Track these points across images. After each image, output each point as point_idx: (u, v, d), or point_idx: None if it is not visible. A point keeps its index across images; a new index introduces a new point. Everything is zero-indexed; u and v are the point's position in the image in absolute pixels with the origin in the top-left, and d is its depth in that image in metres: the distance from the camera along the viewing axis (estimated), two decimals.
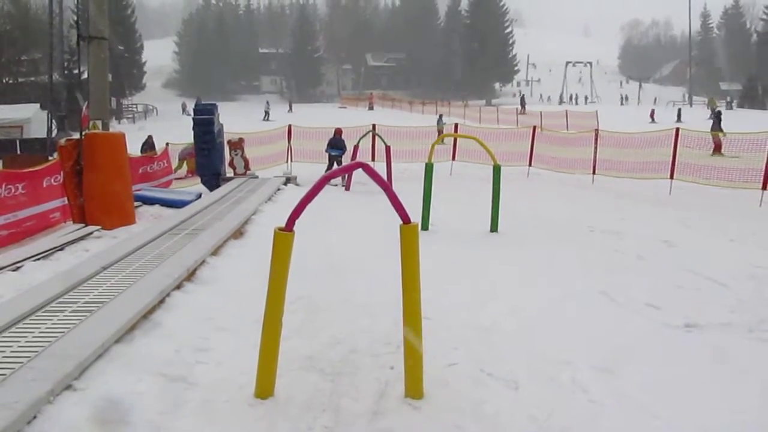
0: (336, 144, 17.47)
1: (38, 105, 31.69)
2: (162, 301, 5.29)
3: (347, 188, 15.60)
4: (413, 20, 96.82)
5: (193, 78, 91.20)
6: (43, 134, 26.07)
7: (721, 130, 21.43)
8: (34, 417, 3.22)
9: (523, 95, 69.29)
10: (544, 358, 4.54)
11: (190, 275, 6.22)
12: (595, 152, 17.40)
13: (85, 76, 11.99)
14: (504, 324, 5.33)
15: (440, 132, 24.67)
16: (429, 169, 10.23)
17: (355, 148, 16.59)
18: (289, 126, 19.89)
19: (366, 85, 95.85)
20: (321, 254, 7.48)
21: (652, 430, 3.61)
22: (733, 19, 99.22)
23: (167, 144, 19.35)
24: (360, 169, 3.84)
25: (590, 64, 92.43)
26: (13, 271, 7.11)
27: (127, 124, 47.81)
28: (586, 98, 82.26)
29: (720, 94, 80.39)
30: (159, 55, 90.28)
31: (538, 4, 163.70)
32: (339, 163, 17.24)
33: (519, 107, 52.72)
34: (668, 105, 64.67)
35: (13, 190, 10.24)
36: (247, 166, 17.95)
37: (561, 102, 79.62)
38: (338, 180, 16.00)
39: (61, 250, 8.39)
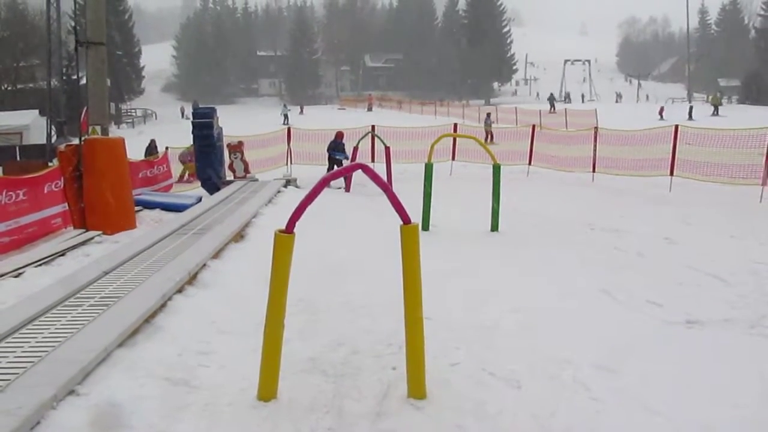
0: (337, 147, 17.43)
1: (37, 111, 31.69)
2: (164, 305, 5.30)
3: (347, 190, 15.60)
4: (411, 21, 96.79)
5: (191, 82, 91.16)
6: (42, 140, 26.14)
7: None
8: (38, 422, 3.22)
9: (552, 94, 64.30)
10: (545, 357, 4.54)
11: (192, 279, 6.22)
12: (595, 150, 17.41)
13: (83, 81, 11.98)
14: (505, 323, 5.34)
15: (488, 133, 24.99)
16: (429, 169, 10.24)
17: (355, 149, 16.60)
18: (288, 128, 19.90)
19: (364, 86, 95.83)
20: (322, 256, 7.48)
21: (654, 427, 3.62)
22: (731, 16, 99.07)
23: (167, 148, 19.38)
24: (360, 171, 3.85)
25: (588, 62, 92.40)
26: (15, 277, 7.11)
27: (126, 129, 47.87)
28: (583, 96, 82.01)
29: (719, 90, 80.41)
30: (157, 59, 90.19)
31: (535, 3, 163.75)
32: (340, 165, 17.23)
33: (549, 108, 50.45)
34: (667, 102, 64.66)
35: (14, 197, 10.25)
36: (246, 169, 17.95)
37: (565, 100, 79.03)
38: (340, 182, 15.97)
39: (63, 255, 8.39)
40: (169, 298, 5.46)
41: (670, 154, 15.70)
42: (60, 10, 30.62)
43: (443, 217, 10.37)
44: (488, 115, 33.45)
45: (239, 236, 8.78)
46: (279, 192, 14.07)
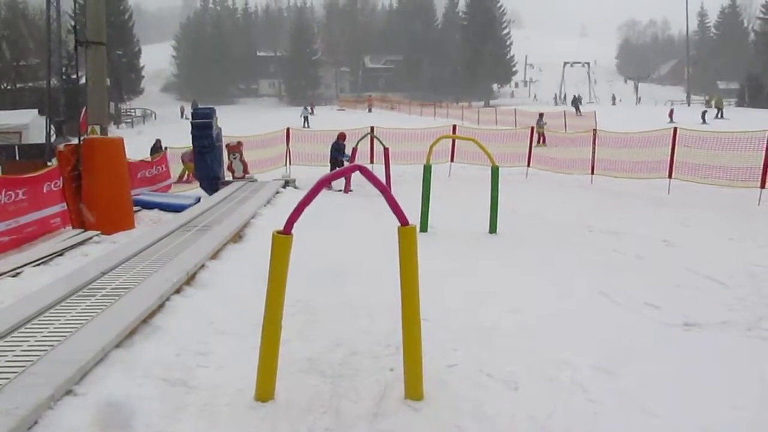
0: (340, 148, 17.30)
1: (36, 110, 31.64)
2: (162, 306, 5.30)
3: (346, 191, 15.60)
4: (411, 22, 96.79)
5: (191, 82, 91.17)
6: (41, 140, 26.05)
7: None
8: (35, 422, 3.22)
9: (575, 96, 58.68)
10: (543, 359, 4.55)
11: (190, 279, 6.22)
12: (594, 152, 17.42)
13: (83, 81, 11.98)
14: (503, 324, 5.35)
15: (540, 134, 24.17)
16: (427, 170, 10.25)
17: (354, 150, 16.60)
18: (288, 129, 19.91)
19: (364, 87, 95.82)
20: (320, 257, 7.48)
21: (652, 429, 3.63)
22: (730, 19, 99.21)
23: (166, 148, 19.38)
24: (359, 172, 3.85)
25: (588, 64, 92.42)
26: (13, 277, 7.11)
27: (125, 129, 47.82)
28: (580, 98, 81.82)
29: (718, 93, 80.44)
30: (157, 59, 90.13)
31: (535, 5, 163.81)
32: (342, 167, 17.17)
33: (574, 110, 46.29)
34: (666, 104, 64.68)
35: (13, 196, 10.26)
36: (245, 170, 17.93)
37: (568, 101, 78.57)
38: (341, 184, 15.92)
39: (61, 255, 8.38)
40: (168, 299, 5.46)
41: (669, 157, 15.71)
42: (60, 9, 30.58)
43: (442, 218, 10.37)
44: (541, 115, 29.73)
45: (238, 237, 8.78)
46: (278, 193, 14.07)
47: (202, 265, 6.74)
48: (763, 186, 13.63)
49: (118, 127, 48.35)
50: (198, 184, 16.88)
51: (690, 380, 4.26)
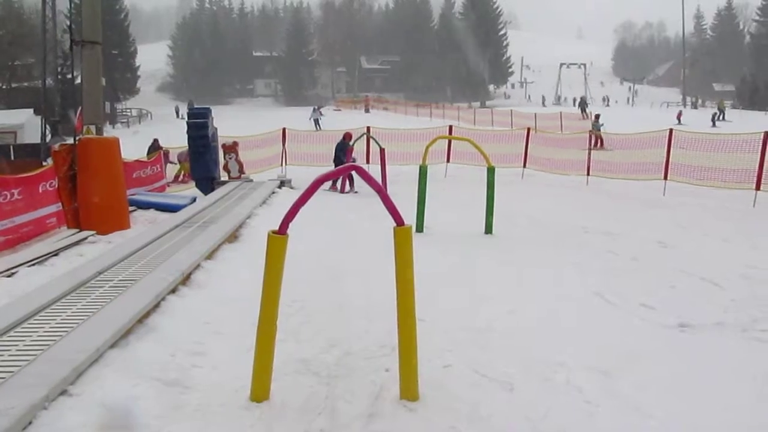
0: (344, 148, 17.13)
1: (32, 110, 31.59)
2: (157, 306, 5.29)
3: (341, 191, 15.58)
4: (407, 23, 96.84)
5: (187, 82, 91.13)
6: (36, 139, 26.03)
7: None
8: (30, 423, 3.21)
9: (583, 98, 57.06)
10: (538, 360, 4.55)
11: (185, 279, 6.21)
12: (589, 153, 17.46)
13: (78, 80, 11.96)
14: (499, 325, 5.35)
15: (597, 137, 22.28)
16: (423, 171, 10.25)
17: (350, 150, 16.59)
18: (284, 129, 19.89)
19: (360, 87, 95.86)
20: (315, 257, 7.48)
21: (647, 429, 3.63)
22: (726, 21, 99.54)
23: (161, 148, 19.36)
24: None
25: (584, 65, 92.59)
26: (8, 277, 7.09)
27: (121, 129, 47.77)
28: (574, 100, 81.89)
29: (713, 95, 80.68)
30: (153, 59, 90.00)
31: (532, 6, 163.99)
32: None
33: (581, 111, 45.34)
34: (662, 106, 64.85)
35: (9, 196, 10.24)
36: (241, 170, 17.91)
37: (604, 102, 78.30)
38: (347, 188, 15.75)
39: (56, 255, 8.37)
40: (163, 299, 5.45)
41: (665, 158, 15.76)
42: (56, 8, 30.56)
43: (437, 219, 10.36)
44: (597, 116, 27.26)
45: (233, 237, 8.77)
46: (273, 193, 14.06)
47: (198, 265, 6.74)
48: (757, 188, 13.67)
49: (113, 127, 48.28)
50: (193, 184, 16.86)
51: (685, 381, 4.27)
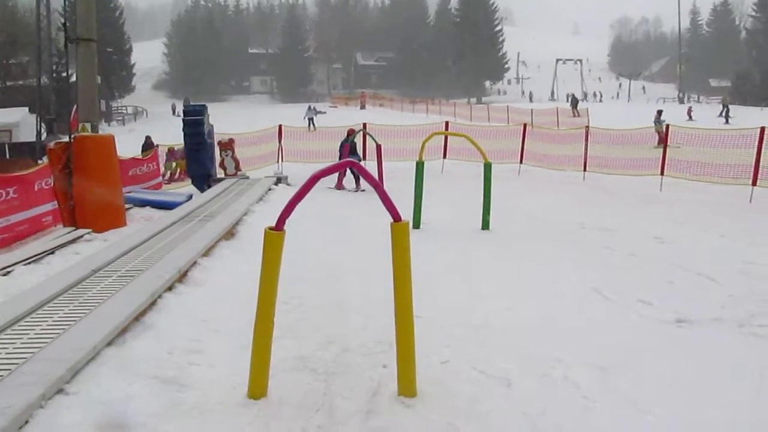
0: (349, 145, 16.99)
1: (27, 108, 31.50)
2: (154, 303, 5.28)
3: (338, 187, 15.54)
4: (403, 19, 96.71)
5: (182, 79, 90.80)
6: (32, 138, 25.97)
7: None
8: (26, 422, 3.20)
9: (574, 94, 55.94)
10: (536, 356, 4.55)
11: (182, 277, 6.20)
12: (586, 149, 17.45)
13: (73, 78, 11.93)
14: (496, 321, 5.34)
15: (659, 134, 20.75)
16: (420, 167, 10.24)
17: (346, 147, 16.55)
18: (280, 126, 19.86)
19: (356, 84, 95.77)
20: (312, 253, 7.47)
21: (644, 425, 3.63)
22: (722, 16, 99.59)
23: (157, 145, 19.32)
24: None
25: (580, 61, 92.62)
26: (4, 275, 7.07)
27: (116, 126, 47.63)
28: (567, 96, 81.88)
29: (709, 91, 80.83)
30: (148, 56, 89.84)
31: (527, 2, 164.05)
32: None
33: (572, 108, 44.44)
34: (658, 102, 64.91)
35: (4, 195, 10.21)
36: (237, 167, 17.90)
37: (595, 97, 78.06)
38: (353, 185, 15.59)
39: (52, 253, 8.35)
40: (159, 296, 5.44)
41: (661, 154, 15.76)
42: (50, 6, 30.48)
43: (434, 215, 10.36)
44: (659, 112, 25.80)
45: (230, 234, 8.76)
46: (270, 190, 14.05)
47: (195, 263, 6.73)
48: (754, 183, 13.68)
49: (109, 125, 48.19)
50: (189, 181, 16.83)
51: (682, 376, 4.27)
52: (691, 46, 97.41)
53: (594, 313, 5.79)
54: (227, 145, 17.88)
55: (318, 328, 5.05)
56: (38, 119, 26.48)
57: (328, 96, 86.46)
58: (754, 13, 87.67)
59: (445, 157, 19.42)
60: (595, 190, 15.27)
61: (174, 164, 19.98)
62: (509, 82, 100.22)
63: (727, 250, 8.62)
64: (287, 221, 3.57)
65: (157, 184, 17.43)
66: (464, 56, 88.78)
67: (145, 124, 47.56)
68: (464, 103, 60.53)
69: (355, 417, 3.61)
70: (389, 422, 3.55)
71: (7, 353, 3.98)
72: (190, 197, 13.67)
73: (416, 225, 9.77)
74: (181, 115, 18.06)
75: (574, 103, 47.27)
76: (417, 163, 10.32)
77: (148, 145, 20.91)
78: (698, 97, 74.17)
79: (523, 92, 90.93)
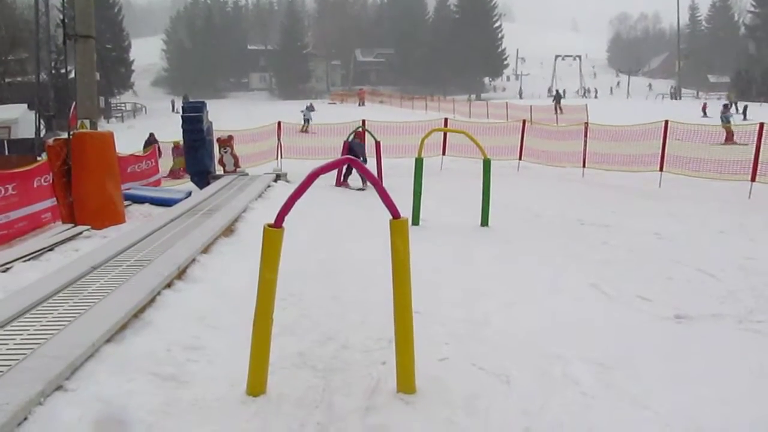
0: (358, 146, 16.76)
1: (26, 105, 31.48)
2: (153, 300, 5.27)
3: (337, 184, 15.53)
4: (402, 15, 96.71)
5: (181, 76, 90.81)
6: (31, 134, 25.97)
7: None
8: (25, 418, 3.19)
9: (558, 91, 56.11)
10: (535, 352, 4.55)
11: (181, 273, 6.19)
12: (585, 146, 17.46)
13: (72, 75, 11.91)
14: (495, 318, 5.34)
15: (727, 131, 20.70)
16: (419, 164, 10.23)
17: (345, 144, 16.54)
18: (279, 123, 19.85)
19: (355, 80, 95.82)
20: (311, 250, 7.47)
21: (644, 421, 3.63)
22: (721, 12, 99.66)
23: (157, 143, 19.32)
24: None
25: (579, 57, 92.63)
26: (3, 272, 7.06)
27: (115, 123, 47.64)
28: (548, 91, 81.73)
29: (708, 87, 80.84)
30: (147, 53, 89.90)
31: None
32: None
33: (554, 104, 43.58)
34: (657, 97, 64.92)
35: (3, 192, 10.21)
36: (236, 164, 17.88)
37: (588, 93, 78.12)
38: (358, 183, 15.46)
39: (51, 250, 8.34)
40: (158, 293, 5.43)
41: (660, 150, 15.77)
42: (49, 3, 30.44)
43: (433, 211, 10.36)
44: (725, 106, 25.30)
45: (229, 231, 8.75)
46: (269, 186, 14.03)
47: (193, 260, 6.72)
48: (753, 179, 13.68)
49: (108, 122, 48.15)
50: (189, 178, 16.82)
51: (681, 372, 4.27)
52: (690, 42, 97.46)
53: (593, 309, 5.79)
54: (226, 142, 17.85)
55: (317, 324, 5.05)
56: (37, 116, 26.46)
57: (327, 93, 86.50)
58: (753, 9, 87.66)
59: (444, 153, 19.44)
60: (594, 187, 15.28)
61: (179, 160, 19.97)
62: (508, 78, 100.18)
63: (726, 245, 8.62)
64: (286, 218, 3.57)
65: (156, 181, 17.42)
66: (463, 53, 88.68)
67: (144, 120, 47.51)
68: (463, 100, 60.42)
69: (354, 414, 3.61)
70: (388, 419, 3.55)
71: (6, 350, 3.97)
72: (189, 194, 13.66)
73: (415, 222, 9.76)
74: (181, 111, 18.04)
75: (557, 99, 46.80)
76: (416, 160, 10.31)
77: (151, 142, 20.90)
78: (697, 93, 74.12)
79: (521, 89, 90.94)
